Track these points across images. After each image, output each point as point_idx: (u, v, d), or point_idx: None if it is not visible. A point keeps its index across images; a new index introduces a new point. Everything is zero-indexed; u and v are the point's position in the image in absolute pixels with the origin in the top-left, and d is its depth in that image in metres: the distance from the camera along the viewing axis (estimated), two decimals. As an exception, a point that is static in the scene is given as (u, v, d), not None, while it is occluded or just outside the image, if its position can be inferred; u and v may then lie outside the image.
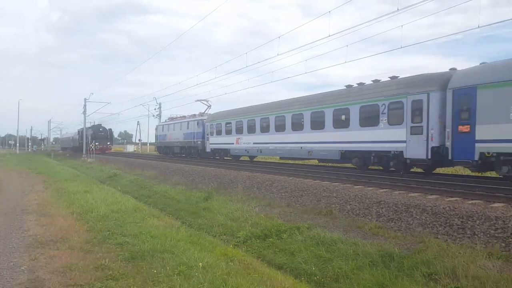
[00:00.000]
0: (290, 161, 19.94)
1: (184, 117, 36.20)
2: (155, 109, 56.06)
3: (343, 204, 11.46)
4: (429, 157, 13.55)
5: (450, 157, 12.85)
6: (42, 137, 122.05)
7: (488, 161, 12.21)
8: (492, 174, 14.91)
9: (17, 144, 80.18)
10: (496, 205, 9.08)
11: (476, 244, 7.42)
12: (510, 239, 7.49)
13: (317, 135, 18.81)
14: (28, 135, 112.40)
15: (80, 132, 57.72)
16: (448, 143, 12.92)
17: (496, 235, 7.74)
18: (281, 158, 24.83)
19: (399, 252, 7.40)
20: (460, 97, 12.59)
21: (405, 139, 14.43)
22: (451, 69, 14.22)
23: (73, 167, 36.79)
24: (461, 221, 8.50)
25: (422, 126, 13.83)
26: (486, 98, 11.83)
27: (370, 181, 13.73)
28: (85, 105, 50.62)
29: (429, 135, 13.58)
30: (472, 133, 12.25)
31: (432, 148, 13.45)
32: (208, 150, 30.09)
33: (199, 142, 31.46)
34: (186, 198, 15.62)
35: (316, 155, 19.22)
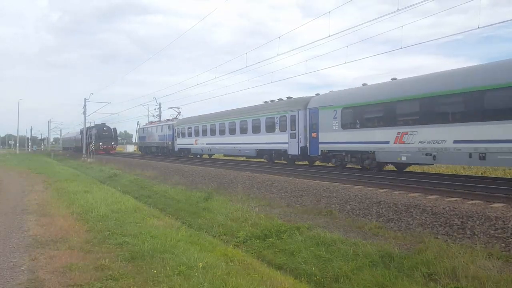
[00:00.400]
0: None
1: (160, 121, 43.47)
2: (155, 109, 56.18)
3: (343, 204, 11.46)
4: (299, 153, 20.37)
5: (308, 153, 19.75)
6: (42, 137, 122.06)
7: (325, 156, 18.88)
8: (492, 174, 14.91)
9: (17, 144, 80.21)
10: (496, 205, 9.09)
11: (476, 244, 7.42)
12: (510, 239, 7.49)
13: (243, 138, 25.43)
14: (28, 135, 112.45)
15: (83, 132, 55.90)
16: (307, 144, 19.73)
17: (496, 235, 7.74)
18: (224, 155, 30.84)
19: (399, 252, 7.39)
20: (311, 114, 19.32)
21: (287, 141, 21.23)
22: (316, 94, 20.96)
23: (73, 167, 36.79)
24: (461, 221, 8.50)
25: (295, 133, 20.49)
26: (323, 115, 18.55)
27: (370, 181, 13.74)
28: (85, 105, 50.61)
29: (299, 139, 20.26)
30: (317, 138, 18.92)
31: (301, 147, 20.19)
32: (176, 149, 36.49)
33: (169, 143, 37.74)
34: (186, 198, 15.62)
35: (243, 153, 25.95)
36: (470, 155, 12.04)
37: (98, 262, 6.45)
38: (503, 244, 7.44)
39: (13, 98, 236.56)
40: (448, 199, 10.03)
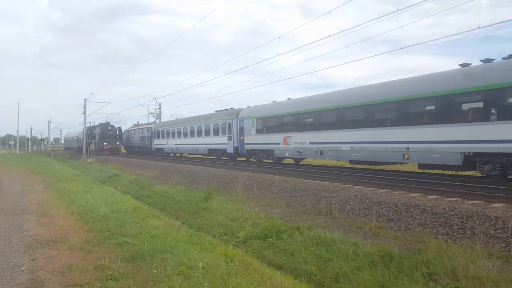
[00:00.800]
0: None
1: (141, 125, 49.90)
2: (155, 109, 56.24)
3: (343, 204, 11.46)
4: (234, 152, 26.70)
5: (239, 152, 26.05)
6: (42, 137, 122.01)
7: (249, 153, 25.51)
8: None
9: (17, 144, 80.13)
10: (496, 205, 9.08)
11: (476, 244, 7.42)
12: (510, 239, 7.49)
13: (199, 140, 31.76)
14: (28, 135, 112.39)
15: (86, 131, 53.53)
16: (238, 145, 25.95)
17: (496, 235, 7.74)
18: (188, 154, 37.44)
19: (399, 252, 7.39)
20: (240, 123, 25.76)
21: (226, 143, 27.50)
22: (248, 106, 27.30)
23: (73, 167, 36.79)
24: (461, 221, 8.50)
25: (231, 136, 26.75)
26: (246, 123, 25.08)
27: (370, 181, 13.74)
28: (85, 105, 50.56)
29: (233, 141, 26.55)
30: (243, 140, 25.34)
31: (234, 147, 26.48)
32: (153, 149, 42.91)
33: (148, 143, 44.48)
34: (186, 198, 15.63)
35: (200, 151, 32.53)
36: (316, 152, 19.27)
37: (98, 262, 6.45)
38: (503, 244, 7.44)
39: (13, 98, 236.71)
40: (448, 199, 10.03)
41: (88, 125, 54.38)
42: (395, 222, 9.65)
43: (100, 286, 5.52)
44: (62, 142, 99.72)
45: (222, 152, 28.62)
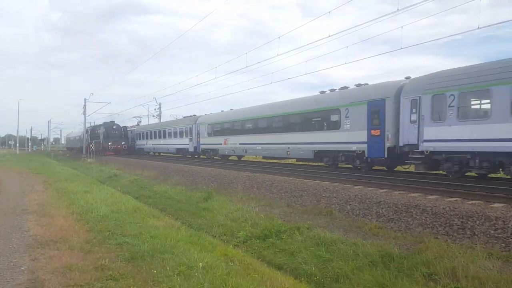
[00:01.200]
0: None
1: (127, 127, 55.36)
2: (155, 109, 56.34)
3: (343, 204, 11.46)
4: (194, 151, 33.37)
5: (197, 151, 33.01)
6: (42, 137, 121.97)
7: (203, 152, 32.13)
8: (492, 174, 14.91)
9: (17, 144, 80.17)
10: (496, 205, 9.08)
11: (476, 244, 7.42)
12: (510, 239, 7.50)
13: (170, 141, 38.44)
14: (28, 135, 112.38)
15: (90, 131, 51.70)
16: (197, 145, 32.58)
17: (496, 235, 7.74)
18: (161, 153, 44.48)
19: (399, 253, 7.39)
20: (197, 127, 32.27)
21: (188, 143, 34.12)
22: (205, 114, 34.40)
23: (73, 167, 36.78)
24: (461, 221, 8.50)
25: (192, 138, 33.24)
26: (201, 128, 31.58)
27: (370, 181, 13.75)
28: (85, 105, 50.58)
29: (193, 142, 32.98)
30: (200, 141, 31.87)
31: (194, 147, 33.12)
32: (136, 148, 49.64)
33: (133, 143, 50.84)
34: (186, 198, 15.62)
35: (170, 150, 39.31)
36: (243, 150, 25.99)
37: (98, 262, 6.45)
38: (503, 244, 7.44)
39: (13, 98, 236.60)
40: (448, 199, 10.03)
41: (88, 125, 54.31)
42: (395, 222, 9.65)
43: (100, 286, 5.53)
44: (64, 142, 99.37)
45: (186, 151, 35.12)
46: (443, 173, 14.17)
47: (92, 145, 44.29)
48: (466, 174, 13.33)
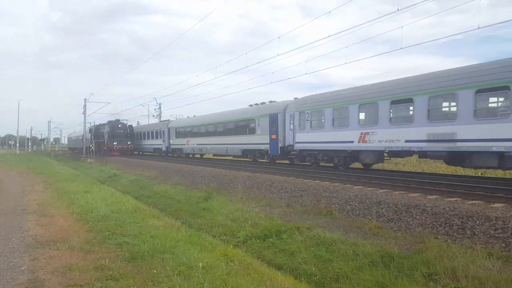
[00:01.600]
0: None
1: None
2: (155, 109, 56.40)
3: (343, 204, 11.46)
4: (165, 150, 40.11)
5: (168, 150, 39.97)
6: (42, 137, 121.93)
7: (173, 151, 39.41)
8: (492, 174, 14.91)
9: (17, 144, 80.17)
10: (496, 205, 9.08)
11: (476, 244, 7.42)
12: (510, 239, 7.49)
13: (150, 142, 44.44)
14: (28, 135, 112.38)
15: (93, 130, 50.39)
16: (168, 145, 39.69)
17: (496, 235, 7.74)
18: (144, 152, 49.28)
19: (399, 253, 7.39)
20: (169, 130, 39.16)
21: (161, 144, 40.75)
22: (175, 118, 43.34)
23: (73, 167, 36.78)
24: (461, 221, 8.50)
25: (165, 139, 39.74)
26: (171, 131, 38.83)
27: (370, 181, 13.74)
28: (85, 105, 50.65)
29: (166, 142, 39.74)
30: (170, 142, 39.26)
31: (166, 147, 39.90)
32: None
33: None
34: (186, 198, 15.62)
35: (149, 150, 45.84)
36: (200, 150, 32.62)
37: (98, 262, 6.45)
38: (503, 244, 7.44)
39: (13, 98, 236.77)
40: (448, 199, 10.03)
41: (88, 125, 54.25)
42: (395, 222, 9.65)
43: (100, 286, 5.53)
44: (65, 142, 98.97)
45: (160, 150, 41.37)
46: (362, 167, 18.91)
47: (92, 145, 44.08)
48: (350, 166, 18.55)
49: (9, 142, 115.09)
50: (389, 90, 15.09)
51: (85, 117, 51.34)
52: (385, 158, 16.37)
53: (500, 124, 11.27)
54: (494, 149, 11.38)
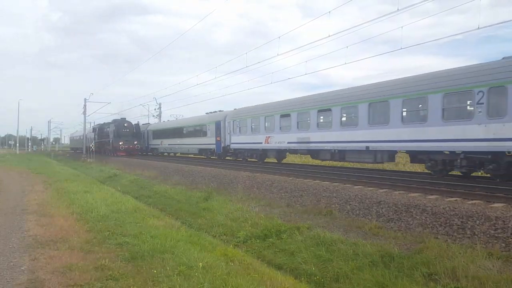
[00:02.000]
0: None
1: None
2: (155, 109, 56.46)
3: (343, 204, 11.46)
4: (146, 149, 47.22)
5: (147, 149, 46.88)
6: (42, 137, 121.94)
7: (152, 150, 46.25)
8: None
9: (17, 144, 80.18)
10: (496, 205, 9.08)
11: (476, 244, 7.42)
12: (510, 239, 7.49)
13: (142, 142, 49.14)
14: (28, 135, 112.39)
15: (97, 129, 49.37)
16: (148, 145, 46.56)
17: (496, 235, 7.74)
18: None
19: (399, 252, 7.39)
20: (147, 132, 46.65)
21: (142, 144, 46.19)
22: (155, 122, 53.29)
23: (73, 167, 36.78)
24: (461, 221, 8.50)
25: (146, 140, 46.65)
26: (150, 133, 46.16)
27: (370, 181, 13.74)
28: (85, 105, 50.61)
29: (146, 142, 46.65)
30: (149, 143, 46.63)
31: (146, 147, 46.80)
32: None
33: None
34: (186, 198, 15.62)
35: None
36: (170, 149, 40.26)
37: (98, 262, 6.45)
38: (503, 244, 7.44)
39: (13, 98, 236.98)
40: (448, 199, 10.03)
41: (88, 125, 54.26)
42: (395, 222, 9.65)
43: (100, 286, 5.52)
44: (67, 142, 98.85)
45: (143, 150, 46.18)
46: (275, 160, 24.93)
47: (92, 145, 43.97)
48: (265, 160, 25.02)
49: (9, 142, 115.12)
50: (279, 107, 22.33)
51: (85, 117, 51.37)
52: (286, 153, 24.12)
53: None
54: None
